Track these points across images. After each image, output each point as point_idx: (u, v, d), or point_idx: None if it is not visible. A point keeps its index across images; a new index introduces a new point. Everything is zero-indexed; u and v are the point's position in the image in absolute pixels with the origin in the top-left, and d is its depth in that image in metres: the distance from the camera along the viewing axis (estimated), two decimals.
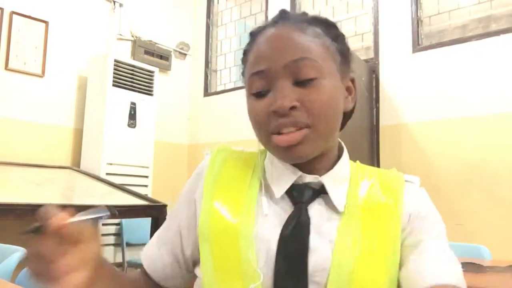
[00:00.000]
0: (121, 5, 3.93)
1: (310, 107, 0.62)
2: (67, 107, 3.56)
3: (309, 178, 0.68)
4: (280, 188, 0.68)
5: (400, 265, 0.65)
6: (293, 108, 0.62)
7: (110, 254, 3.30)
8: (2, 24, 3.20)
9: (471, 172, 2.87)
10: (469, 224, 2.78)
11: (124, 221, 3.24)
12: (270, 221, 0.66)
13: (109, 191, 2.93)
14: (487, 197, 2.79)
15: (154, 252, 0.76)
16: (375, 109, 3.34)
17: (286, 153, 0.64)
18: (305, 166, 0.67)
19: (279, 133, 0.63)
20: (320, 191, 0.68)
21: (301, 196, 0.67)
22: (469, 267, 1.34)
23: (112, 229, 3.35)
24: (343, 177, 0.70)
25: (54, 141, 3.45)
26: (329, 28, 0.69)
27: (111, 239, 3.34)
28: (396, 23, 3.31)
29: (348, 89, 0.71)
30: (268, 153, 0.72)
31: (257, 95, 0.66)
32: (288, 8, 4.63)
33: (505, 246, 2.48)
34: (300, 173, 0.68)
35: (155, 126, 3.76)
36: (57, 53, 3.48)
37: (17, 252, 1.39)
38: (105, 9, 3.87)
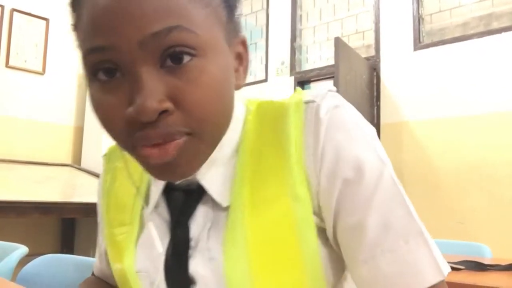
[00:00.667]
0: None
1: (189, 108, 0.40)
2: (67, 105, 3.56)
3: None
4: (152, 200, 0.52)
5: (351, 267, 0.45)
6: (164, 112, 0.40)
7: None
8: (2, 22, 3.19)
9: (472, 170, 2.87)
10: (470, 223, 2.78)
11: None
12: (150, 247, 0.50)
13: None
14: (487, 196, 2.79)
15: (97, 263, 0.68)
16: (375, 107, 3.34)
17: (161, 172, 0.43)
18: None
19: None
20: (202, 190, 0.49)
21: (177, 206, 0.50)
22: (470, 265, 1.35)
23: None
24: (228, 154, 0.49)
25: (55, 139, 3.45)
26: None
27: None
28: (397, 21, 3.30)
29: (238, 57, 0.48)
30: None
31: (102, 79, 0.41)
32: (289, 5, 4.51)
33: (506, 244, 2.48)
34: None
35: None
36: (58, 50, 3.48)
37: (18, 250, 1.38)
38: None
